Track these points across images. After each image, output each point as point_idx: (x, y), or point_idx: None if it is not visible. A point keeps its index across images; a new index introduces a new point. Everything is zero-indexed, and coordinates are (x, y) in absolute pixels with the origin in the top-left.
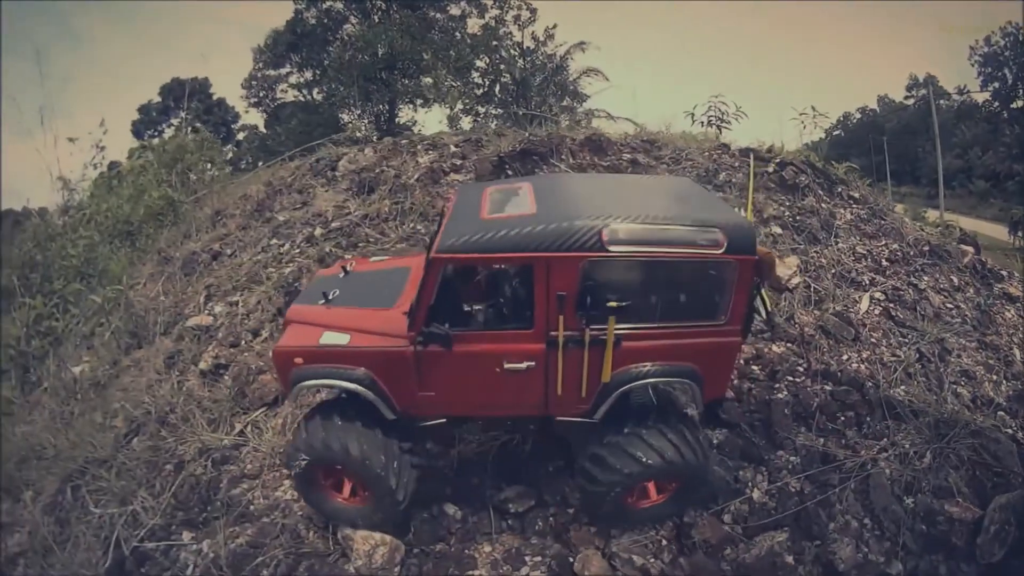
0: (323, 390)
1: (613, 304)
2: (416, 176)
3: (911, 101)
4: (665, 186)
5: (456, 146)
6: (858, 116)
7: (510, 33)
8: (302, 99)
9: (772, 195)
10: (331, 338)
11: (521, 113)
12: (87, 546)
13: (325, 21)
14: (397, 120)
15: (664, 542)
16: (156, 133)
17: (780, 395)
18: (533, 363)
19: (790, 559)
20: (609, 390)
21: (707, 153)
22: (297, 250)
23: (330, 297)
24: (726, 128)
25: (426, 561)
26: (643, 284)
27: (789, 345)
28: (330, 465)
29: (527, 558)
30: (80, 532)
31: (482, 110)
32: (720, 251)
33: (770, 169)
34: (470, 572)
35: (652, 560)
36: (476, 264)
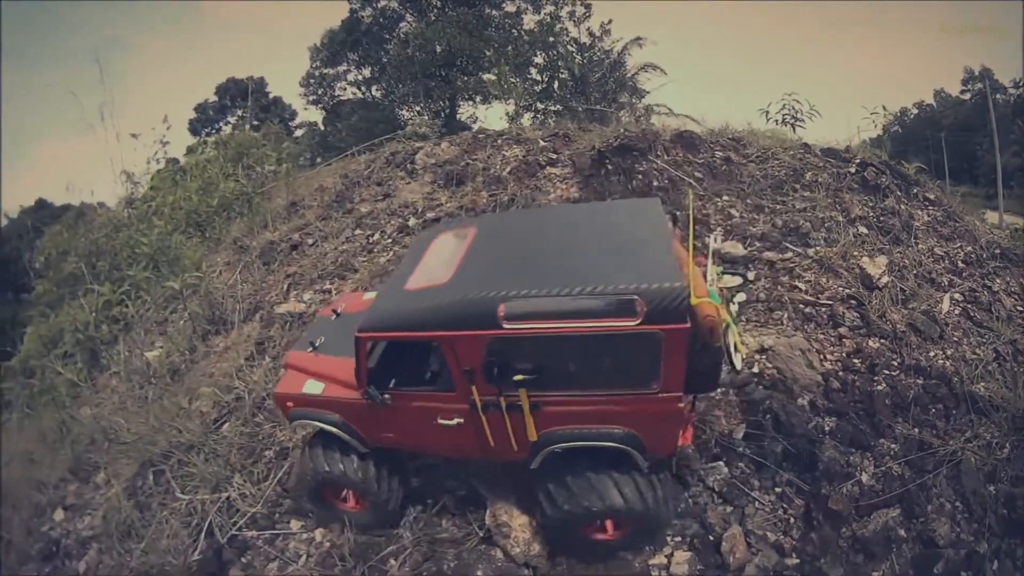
0: None
1: (519, 377)
2: (508, 169)
3: (967, 96)
4: (611, 227)
5: (544, 140)
6: (915, 112)
7: (566, 29)
8: (361, 96)
9: (856, 195)
10: (311, 387)
11: (581, 109)
12: (172, 532)
13: (381, 20)
14: (457, 117)
15: (792, 520)
16: (213, 131)
17: (879, 387)
18: (461, 420)
19: (903, 532)
20: (539, 447)
21: (791, 152)
22: (389, 239)
23: (316, 345)
24: (800, 126)
25: None
26: (551, 356)
27: (883, 341)
28: (331, 484)
29: (668, 538)
30: (164, 518)
31: (541, 106)
32: (636, 322)
33: (852, 170)
34: (619, 552)
35: (783, 536)
36: (394, 340)
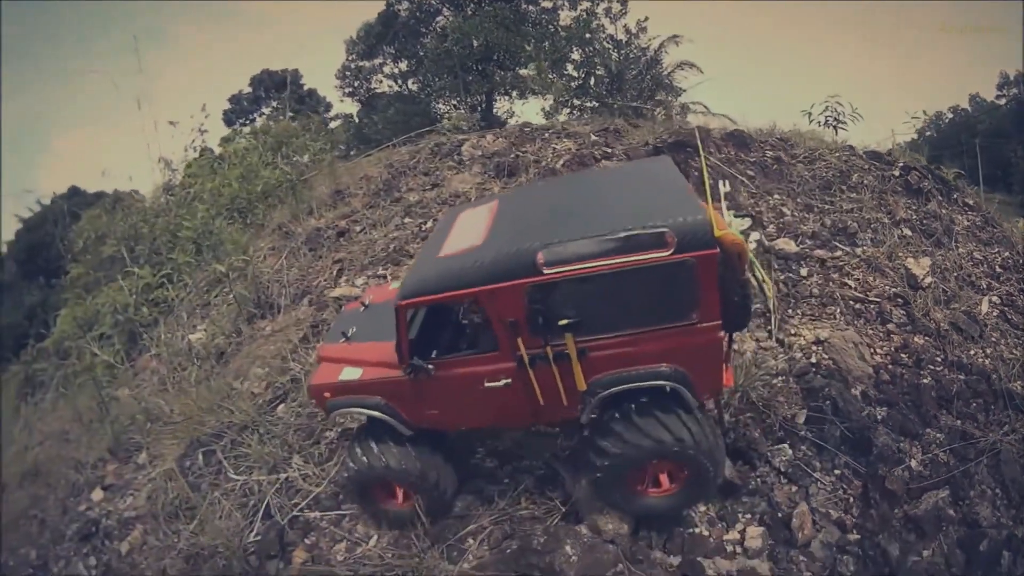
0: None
1: (563, 322)
2: (561, 161)
3: (1003, 101)
4: (629, 182)
5: (595, 135)
6: (950, 116)
7: (602, 26)
8: (397, 89)
9: (900, 198)
10: (349, 373)
11: (617, 105)
12: (225, 513)
13: (418, 14)
14: (494, 111)
15: (852, 499)
16: (247, 121)
17: (925, 380)
18: (509, 380)
19: (952, 512)
20: (589, 396)
21: (837, 154)
22: None
23: (348, 335)
24: (842, 129)
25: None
26: (593, 297)
27: (927, 338)
28: (378, 480)
29: (739, 515)
30: (216, 499)
31: (577, 102)
32: (669, 252)
33: (896, 173)
34: (691, 528)
35: (844, 514)
36: (435, 303)
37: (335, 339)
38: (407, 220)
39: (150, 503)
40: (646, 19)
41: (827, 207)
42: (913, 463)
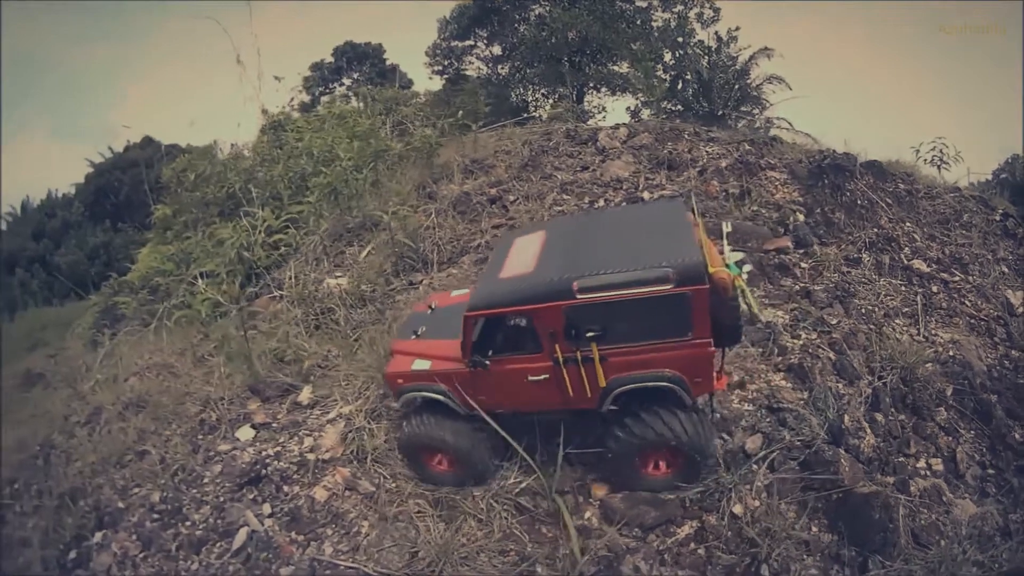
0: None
1: (591, 334)
2: (725, 164)
3: None
4: (645, 224)
5: (749, 144)
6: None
7: (693, 30)
8: (486, 73)
9: (1001, 240)
10: (420, 364)
11: (703, 112)
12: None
13: (515, 1)
14: (584, 105)
15: (984, 449)
16: (327, 91)
17: (1021, 381)
18: (547, 375)
19: None
20: (608, 391)
21: (951, 194)
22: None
23: (418, 333)
24: (945, 169)
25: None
26: (614, 317)
27: (1022, 352)
28: (427, 447)
29: (915, 456)
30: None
31: (667, 105)
32: (670, 286)
33: (996, 217)
34: (900, 456)
35: (983, 458)
36: (496, 315)
37: (406, 336)
38: (565, 196)
39: (346, 444)
40: (737, 28)
41: (945, 239)
42: (1016, 436)
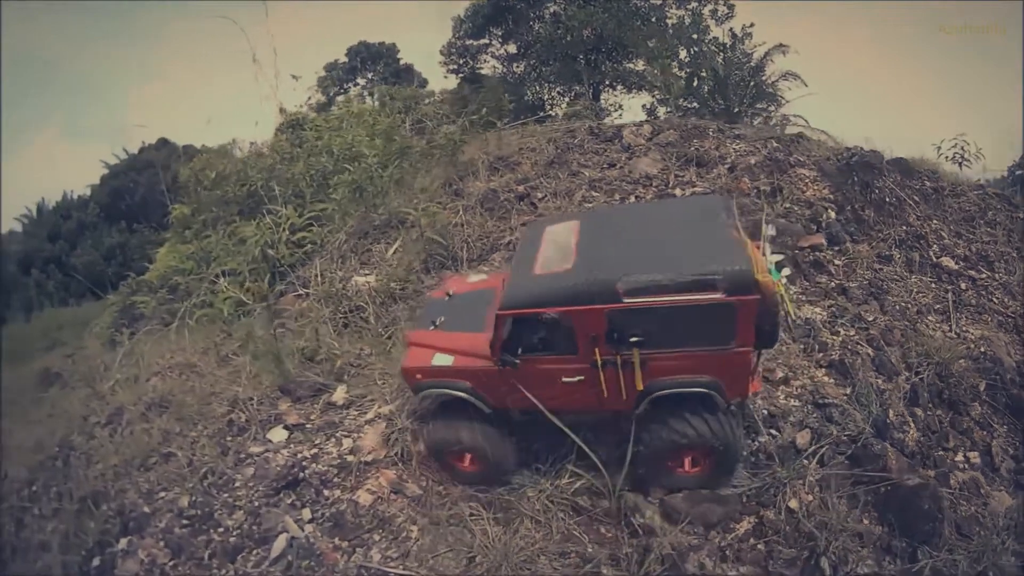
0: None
1: (633, 339)
2: (754, 162)
3: None
4: (685, 222)
5: (776, 141)
6: None
7: (707, 27)
8: (502, 71)
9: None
10: (440, 359)
11: (718, 109)
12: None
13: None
14: (600, 103)
15: (1019, 441)
16: (343, 91)
17: None
18: (582, 377)
19: None
20: (644, 395)
21: (975, 192)
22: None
23: (437, 323)
24: (967, 166)
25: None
26: (657, 321)
27: None
28: (451, 448)
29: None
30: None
31: (683, 102)
32: (719, 295)
33: (1021, 215)
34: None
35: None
36: (532, 315)
37: (424, 326)
38: (594, 193)
39: (388, 446)
40: (751, 25)
41: (971, 236)
42: None
